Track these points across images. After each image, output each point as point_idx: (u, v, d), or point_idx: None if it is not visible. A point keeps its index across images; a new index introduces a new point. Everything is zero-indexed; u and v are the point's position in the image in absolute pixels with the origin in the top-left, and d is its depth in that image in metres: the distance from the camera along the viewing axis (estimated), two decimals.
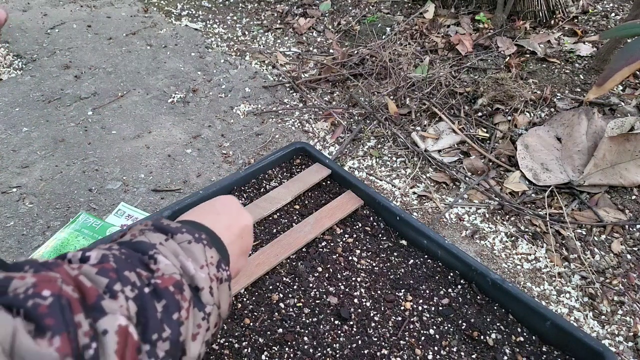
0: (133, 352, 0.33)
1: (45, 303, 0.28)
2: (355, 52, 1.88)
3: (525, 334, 0.77)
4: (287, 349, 0.74)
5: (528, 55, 1.81)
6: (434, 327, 0.78)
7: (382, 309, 0.80)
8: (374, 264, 0.88)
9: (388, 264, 0.88)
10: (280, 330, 0.76)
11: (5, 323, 0.25)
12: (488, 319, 0.79)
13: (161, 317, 0.36)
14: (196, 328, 0.40)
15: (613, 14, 2.02)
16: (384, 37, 1.96)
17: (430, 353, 0.74)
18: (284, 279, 0.84)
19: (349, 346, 0.74)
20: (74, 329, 0.29)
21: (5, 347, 0.24)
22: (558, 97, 1.59)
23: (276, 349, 0.74)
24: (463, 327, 0.78)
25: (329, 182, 1.06)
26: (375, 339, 0.75)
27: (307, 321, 0.78)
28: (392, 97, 1.62)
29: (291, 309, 0.79)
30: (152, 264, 0.40)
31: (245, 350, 0.73)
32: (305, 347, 0.74)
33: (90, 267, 0.36)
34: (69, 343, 0.28)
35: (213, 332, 0.44)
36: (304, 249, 0.90)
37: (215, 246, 0.47)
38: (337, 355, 0.73)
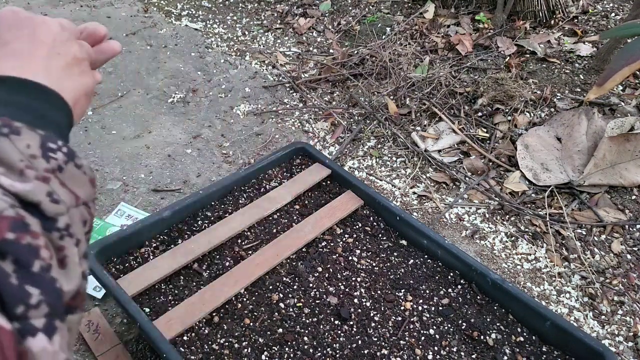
0: None
1: None
2: (355, 52, 1.88)
3: (525, 334, 0.77)
4: (287, 349, 0.74)
5: (528, 55, 1.81)
6: (434, 327, 0.78)
7: (382, 309, 0.80)
8: (374, 264, 0.88)
9: (388, 264, 0.88)
10: (280, 330, 0.76)
11: None
12: (488, 319, 0.79)
13: (19, 283, 0.25)
14: (59, 253, 0.29)
15: (613, 14, 2.02)
16: (384, 37, 1.96)
17: (430, 353, 0.74)
18: (284, 279, 0.84)
19: (349, 346, 0.74)
20: None
21: None
22: (558, 97, 1.59)
23: (276, 349, 0.74)
24: (463, 327, 0.78)
25: (329, 182, 1.06)
26: (375, 339, 0.75)
27: (307, 321, 0.78)
28: (392, 97, 1.62)
29: (291, 309, 0.79)
30: None
31: (245, 350, 0.73)
32: (305, 347, 0.74)
33: None
34: None
35: (87, 230, 0.33)
36: (304, 249, 0.90)
37: (28, 116, 0.33)
38: (337, 355, 0.73)
